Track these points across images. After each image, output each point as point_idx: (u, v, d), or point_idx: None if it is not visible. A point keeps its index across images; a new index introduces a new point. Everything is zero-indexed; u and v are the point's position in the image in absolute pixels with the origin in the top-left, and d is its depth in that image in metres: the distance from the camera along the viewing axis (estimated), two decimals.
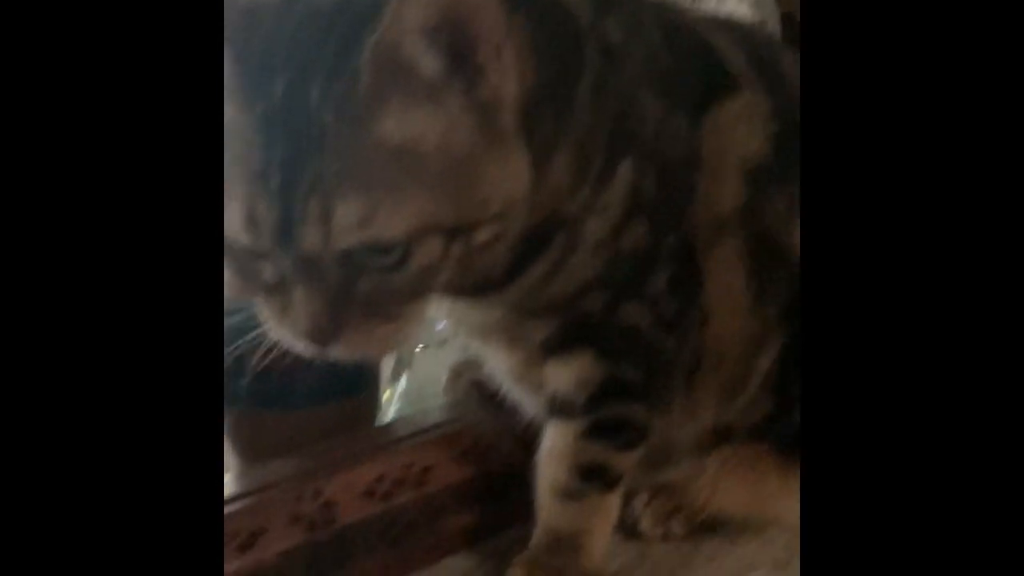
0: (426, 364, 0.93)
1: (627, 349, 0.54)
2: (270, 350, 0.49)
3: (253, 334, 0.49)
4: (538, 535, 0.58)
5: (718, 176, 0.53)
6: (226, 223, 0.44)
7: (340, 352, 0.46)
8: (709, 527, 0.63)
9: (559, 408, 0.56)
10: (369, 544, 0.58)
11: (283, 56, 0.42)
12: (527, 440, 0.62)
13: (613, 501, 0.58)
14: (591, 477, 0.56)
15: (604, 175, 0.50)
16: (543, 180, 0.48)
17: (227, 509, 0.55)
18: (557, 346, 0.54)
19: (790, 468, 0.60)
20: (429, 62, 0.42)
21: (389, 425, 0.69)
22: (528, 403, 0.62)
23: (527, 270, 0.50)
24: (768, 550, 0.62)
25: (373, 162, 0.42)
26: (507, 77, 0.44)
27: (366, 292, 0.44)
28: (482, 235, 0.45)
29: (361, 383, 0.78)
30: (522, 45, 0.46)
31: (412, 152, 0.42)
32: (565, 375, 0.55)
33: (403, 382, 0.90)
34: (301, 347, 0.46)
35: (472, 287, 0.50)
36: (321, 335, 0.44)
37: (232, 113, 0.42)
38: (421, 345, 0.92)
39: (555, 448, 0.57)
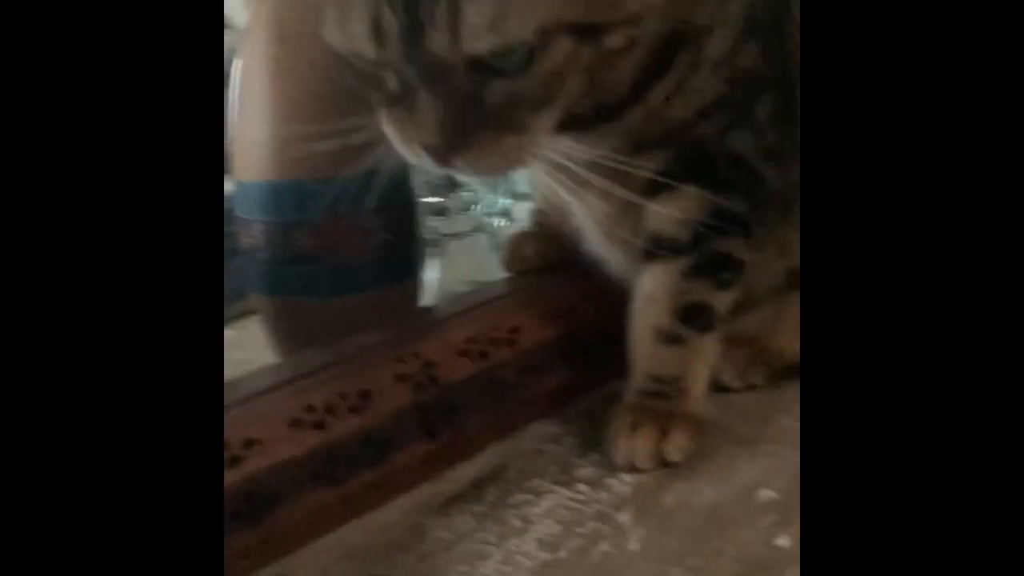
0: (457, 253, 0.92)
1: (734, 180, 0.54)
2: None
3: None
4: (639, 382, 0.58)
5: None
6: (347, 36, 0.43)
7: (463, 165, 0.45)
8: (788, 374, 0.64)
9: (662, 248, 0.56)
10: (470, 402, 0.57)
11: None
12: (607, 300, 0.62)
13: (712, 343, 0.58)
14: (693, 318, 0.57)
15: None
16: None
17: (331, 372, 0.54)
18: (663, 183, 0.54)
19: None
20: None
21: (469, 293, 0.67)
22: (615, 258, 0.61)
23: (651, 89, 0.49)
24: None
25: None
26: None
27: (493, 100, 0.43)
28: (614, 39, 0.44)
29: (405, 269, 0.77)
30: None
31: None
32: (671, 212, 0.54)
33: (436, 270, 0.89)
34: (425, 160, 0.45)
35: (592, 113, 0.49)
36: (447, 146, 0.44)
37: None
38: (456, 231, 0.91)
39: (656, 291, 0.57)
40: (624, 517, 0.51)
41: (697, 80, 0.50)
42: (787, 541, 0.48)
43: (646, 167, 0.53)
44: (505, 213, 0.91)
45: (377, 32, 0.42)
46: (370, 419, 0.52)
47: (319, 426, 0.51)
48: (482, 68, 0.42)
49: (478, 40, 0.41)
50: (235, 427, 0.47)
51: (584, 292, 0.65)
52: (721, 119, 0.52)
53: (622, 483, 0.55)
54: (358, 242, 0.70)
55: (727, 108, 0.52)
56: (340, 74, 0.49)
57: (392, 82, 0.44)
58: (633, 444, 0.55)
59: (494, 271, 0.75)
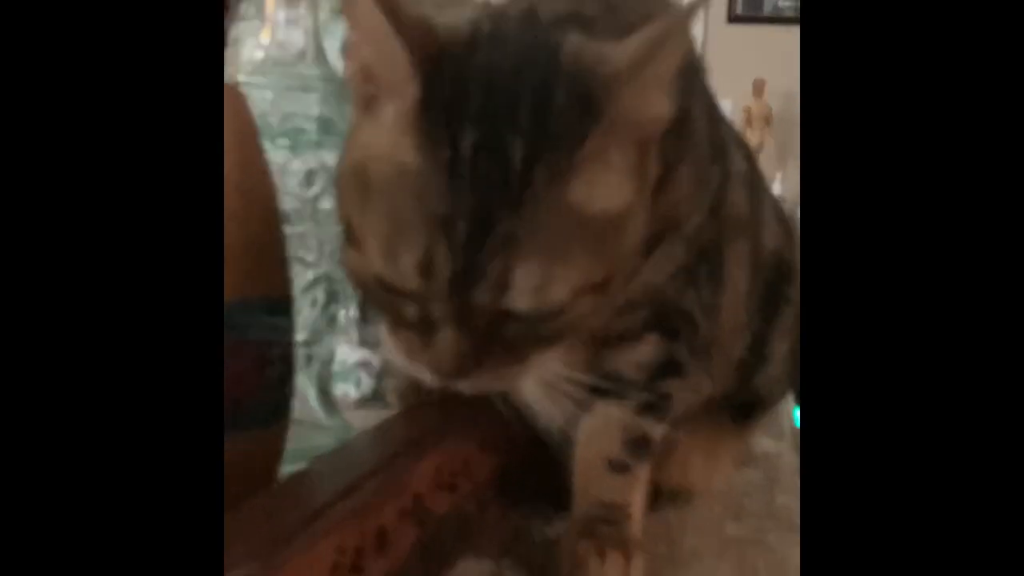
0: None
1: (683, 332, 0.62)
2: None
3: None
4: (584, 510, 0.61)
5: (735, 184, 0.65)
6: (390, 263, 0.44)
7: (466, 386, 0.48)
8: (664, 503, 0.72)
9: (616, 389, 0.61)
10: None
11: (474, 106, 0.44)
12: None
13: (646, 472, 0.64)
14: (636, 449, 0.62)
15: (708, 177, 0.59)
16: (666, 194, 0.54)
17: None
18: (631, 334, 0.60)
19: (739, 438, 0.73)
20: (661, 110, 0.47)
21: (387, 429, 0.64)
22: (549, 401, 0.64)
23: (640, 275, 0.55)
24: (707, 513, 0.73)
25: (558, 226, 0.44)
26: (659, 127, 0.49)
27: (510, 337, 0.46)
28: (619, 283, 0.50)
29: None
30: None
31: (584, 214, 0.45)
32: (632, 358, 0.60)
33: None
34: (428, 378, 0.48)
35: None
36: (459, 372, 0.46)
37: (414, 154, 0.44)
38: None
39: (608, 424, 0.61)
40: None
41: (672, 250, 0.57)
42: None
43: (618, 325, 0.58)
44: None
45: (427, 269, 0.43)
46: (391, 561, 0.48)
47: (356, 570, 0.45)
48: (511, 316, 0.45)
49: (521, 301, 0.44)
50: None
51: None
52: (681, 282, 0.60)
53: None
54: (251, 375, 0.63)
55: (684, 271, 0.60)
56: None
57: (412, 311, 0.46)
58: (603, 571, 0.57)
59: None
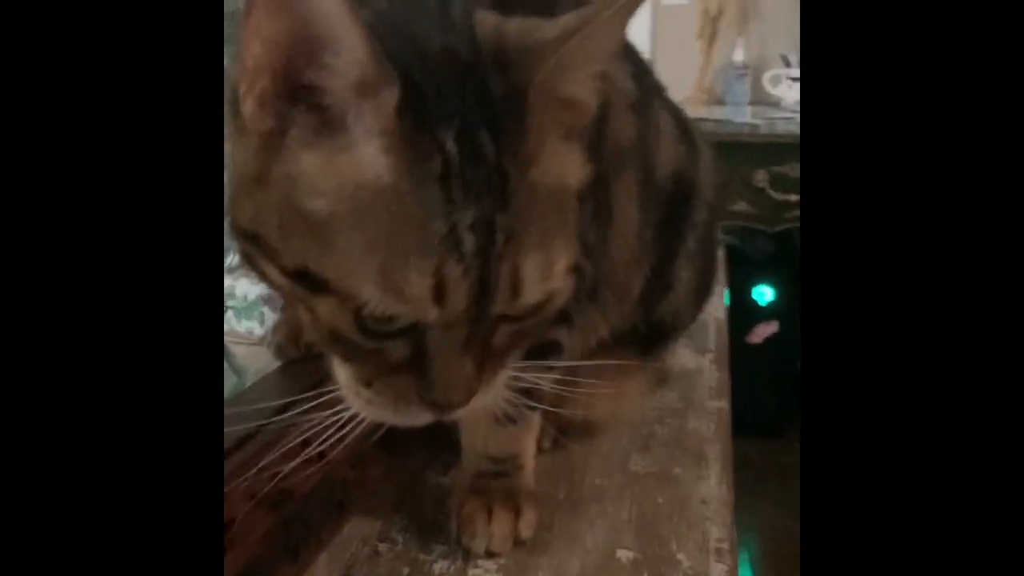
0: None
1: None
2: None
3: None
4: (474, 465, 0.59)
5: (618, 110, 0.59)
6: (394, 294, 0.38)
7: (464, 410, 0.44)
8: (572, 435, 0.70)
9: None
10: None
11: (448, 105, 0.38)
12: None
13: (537, 419, 0.61)
14: (524, 400, 0.59)
15: None
16: None
17: None
18: None
19: (645, 369, 0.70)
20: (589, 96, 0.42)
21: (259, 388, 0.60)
22: None
23: None
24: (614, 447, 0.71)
25: (540, 213, 0.40)
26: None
27: (498, 343, 0.43)
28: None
29: None
30: None
31: (553, 194, 0.41)
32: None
33: None
34: (420, 419, 0.44)
35: None
36: (462, 398, 0.42)
37: (397, 171, 0.37)
38: None
39: None
40: None
41: None
42: None
43: None
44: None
45: (442, 293, 0.38)
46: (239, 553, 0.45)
47: None
48: (507, 319, 0.42)
49: (532, 297, 0.40)
50: None
51: None
52: None
53: (486, 571, 0.55)
54: None
55: None
56: None
57: (400, 350, 0.41)
58: (490, 529, 0.55)
59: None
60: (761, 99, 2.07)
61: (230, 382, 0.72)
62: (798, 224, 1.83)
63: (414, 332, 0.40)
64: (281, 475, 0.50)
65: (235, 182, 0.41)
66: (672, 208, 0.63)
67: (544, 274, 0.40)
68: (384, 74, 0.36)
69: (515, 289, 0.40)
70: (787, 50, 1.99)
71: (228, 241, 0.72)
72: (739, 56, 2.07)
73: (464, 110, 0.38)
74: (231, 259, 0.79)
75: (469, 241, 0.37)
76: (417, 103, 0.37)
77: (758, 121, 1.86)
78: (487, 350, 0.42)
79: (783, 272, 2.00)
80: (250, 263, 0.42)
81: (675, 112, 0.67)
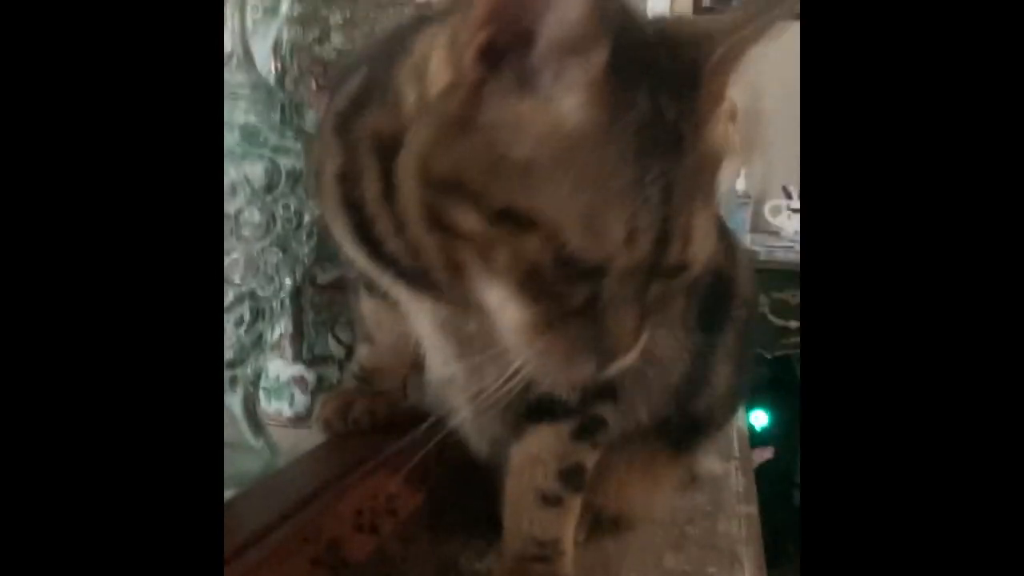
0: None
1: None
2: None
3: None
4: (516, 546, 0.58)
5: None
6: (596, 237, 0.42)
7: (619, 365, 0.46)
8: (606, 531, 0.69)
9: (547, 410, 0.58)
10: None
11: (641, 67, 0.44)
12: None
13: (578, 504, 0.61)
14: (570, 479, 0.59)
15: None
16: None
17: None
18: None
19: (679, 463, 0.71)
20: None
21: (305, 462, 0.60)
22: (479, 421, 0.62)
23: None
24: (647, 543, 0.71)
25: (706, 176, 0.46)
26: None
27: (652, 298, 0.46)
28: None
29: None
30: None
31: (708, 158, 0.46)
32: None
33: None
34: (584, 371, 0.46)
35: None
36: (628, 345, 0.46)
37: (603, 121, 0.42)
38: None
39: (542, 453, 0.58)
40: None
41: None
42: None
43: None
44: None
45: (632, 238, 0.42)
46: None
47: None
48: (658, 275, 0.45)
49: (699, 246, 0.45)
50: None
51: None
52: None
53: None
54: None
55: None
56: None
57: (582, 293, 0.44)
58: None
59: None
60: (761, 228, 2.14)
61: (263, 458, 0.71)
62: (796, 351, 1.86)
63: (594, 277, 0.43)
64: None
65: (431, 137, 0.45)
66: (713, 300, 0.65)
67: (708, 231, 0.45)
68: (596, 33, 0.42)
69: (685, 243, 0.44)
70: (788, 182, 2.07)
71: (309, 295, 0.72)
72: (741, 185, 2.16)
73: (652, 73, 0.43)
74: (273, 335, 0.80)
75: (655, 192, 0.42)
76: (621, 62, 0.43)
77: (758, 248, 1.92)
78: (644, 303, 0.45)
79: (779, 398, 2.01)
80: (432, 218, 0.45)
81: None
